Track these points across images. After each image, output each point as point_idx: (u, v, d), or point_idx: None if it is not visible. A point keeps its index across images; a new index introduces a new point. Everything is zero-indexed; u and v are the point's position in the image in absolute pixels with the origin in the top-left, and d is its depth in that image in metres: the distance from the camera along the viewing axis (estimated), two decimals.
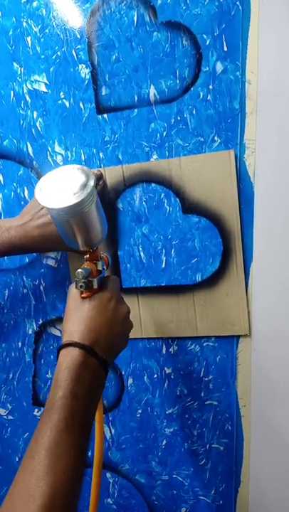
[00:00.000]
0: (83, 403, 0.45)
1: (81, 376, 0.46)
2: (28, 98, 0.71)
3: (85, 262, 0.55)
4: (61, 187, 0.47)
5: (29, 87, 0.71)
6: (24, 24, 0.69)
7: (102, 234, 0.54)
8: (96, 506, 0.61)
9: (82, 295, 0.52)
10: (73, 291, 0.53)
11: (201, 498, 0.75)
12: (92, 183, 0.46)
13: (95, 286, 0.52)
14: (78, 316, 0.50)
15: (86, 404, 0.45)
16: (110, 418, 0.77)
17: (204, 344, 0.69)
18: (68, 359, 0.46)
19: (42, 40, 0.69)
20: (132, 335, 0.72)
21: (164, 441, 0.74)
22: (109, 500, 0.80)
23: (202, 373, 0.70)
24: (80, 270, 0.51)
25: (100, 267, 0.54)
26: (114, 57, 0.66)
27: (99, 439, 0.61)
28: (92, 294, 0.52)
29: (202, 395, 0.71)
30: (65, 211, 0.46)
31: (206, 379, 0.70)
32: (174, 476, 0.75)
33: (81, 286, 0.51)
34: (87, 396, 0.46)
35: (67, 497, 0.39)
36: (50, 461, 0.40)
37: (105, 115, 0.68)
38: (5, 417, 0.83)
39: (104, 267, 0.56)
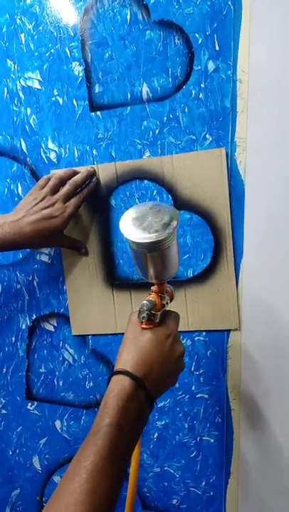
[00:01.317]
0: (126, 436, 0.46)
1: (128, 408, 0.46)
2: (21, 95, 0.72)
3: (150, 293, 0.55)
4: (146, 222, 0.48)
5: (23, 83, 0.71)
6: (18, 21, 0.70)
7: (174, 271, 0.55)
8: None
9: (142, 325, 0.52)
10: (134, 319, 0.54)
11: (192, 489, 0.76)
12: (174, 224, 0.48)
13: (157, 320, 0.52)
14: (134, 346, 0.51)
15: (128, 438, 0.46)
16: None
17: (195, 338, 0.71)
18: (119, 387, 0.47)
19: (36, 37, 0.69)
20: (124, 330, 0.73)
21: (156, 434, 0.76)
22: None
23: (193, 367, 0.72)
24: (145, 302, 0.52)
25: (164, 301, 0.55)
26: (107, 55, 0.67)
27: (133, 475, 0.62)
28: (153, 327, 0.52)
29: (193, 388, 0.72)
30: (144, 246, 0.48)
31: (197, 373, 0.72)
32: (166, 468, 0.76)
33: (143, 318, 0.51)
34: (131, 430, 0.46)
35: None
36: (90, 487, 0.40)
37: (98, 112, 0.69)
38: None
39: (168, 302, 0.56)
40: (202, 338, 0.70)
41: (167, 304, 0.55)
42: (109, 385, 0.48)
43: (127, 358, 0.50)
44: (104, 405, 0.46)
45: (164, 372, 0.51)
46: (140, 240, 0.47)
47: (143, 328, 0.52)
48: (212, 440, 0.73)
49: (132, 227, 0.48)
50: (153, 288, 0.55)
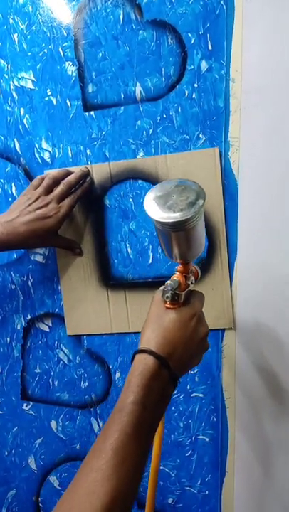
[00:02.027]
0: (150, 414, 0.46)
1: (152, 386, 0.46)
2: (15, 95, 0.72)
3: (175, 272, 0.54)
4: (170, 200, 0.47)
5: (16, 83, 0.71)
6: (11, 21, 0.70)
7: (200, 251, 0.53)
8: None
9: (166, 305, 0.51)
10: (158, 298, 0.53)
11: (188, 488, 0.76)
12: (201, 202, 0.46)
13: (181, 300, 0.51)
14: (158, 325, 0.50)
15: (153, 416, 0.46)
16: (98, 411, 0.78)
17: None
18: (142, 366, 0.47)
19: (29, 37, 0.69)
20: (119, 329, 0.73)
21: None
22: None
23: None
24: (169, 281, 0.51)
25: (189, 281, 0.53)
26: (100, 54, 0.67)
27: (157, 451, 0.62)
28: (177, 307, 0.51)
29: (188, 387, 0.72)
30: (169, 225, 0.46)
31: (192, 372, 0.72)
32: (161, 467, 0.76)
33: (167, 297, 0.50)
34: (155, 408, 0.47)
35: (126, 501, 0.41)
36: (116, 463, 0.41)
37: (92, 112, 0.69)
38: None
39: (193, 282, 0.55)
40: None
41: (192, 283, 0.54)
42: (132, 364, 0.48)
43: (151, 337, 0.49)
44: (128, 383, 0.46)
45: (188, 352, 0.50)
46: (165, 220, 0.45)
47: (167, 308, 0.51)
48: (207, 439, 0.73)
49: (156, 206, 0.46)
50: (178, 267, 0.53)
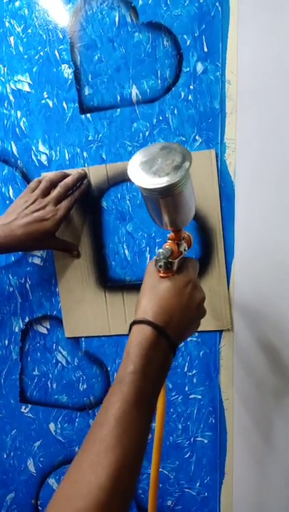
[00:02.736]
0: (151, 383, 0.46)
1: (151, 356, 0.46)
2: (11, 98, 0.72)
3: (167, 240, 0.53)
4: (156, 165, 0.45)
5: (12, 86, 0.71)
6: (7, 24, 0.70)
7: (190, 216, 0.52)
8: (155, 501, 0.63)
9: (160, 274, 0.51)
10: (151, 267, 0.52)
11: (187, 490, 0.76)
12: (187, 165, 0.44)
13: (174, 268, 0.50)
14: (153, 294, 0.50)
15: (154, 385, 0.46)
16: (96, 413, 0.78)
17: (188, 339, 0.71)
18: (140, 336, 0.47)
19: (25, 40, 0.70)
20: (117, 331, 0.73)
21: (150, 436, 0.75)
22: None
23: (186, 368, 0.72)
24: (161, 250, 0.50)
25: (181, 248, 0.52)
26: (96, 57, 0.67)
27: (160, 421, 0.62)
28: (171, 275, 0.51)
29: (186, 389, 0.72)
30: (156, 192, 0.44)
31: (190, 373, 0.72)
32: (160, 469, 0.76)
33: (160, 266, 0.50)
34: (155, 377, 0.46)
35: (132, 471, 0.41)
36: (118, 433, 0.40)
37: (88, 115, 0.69)
38: None
39: (186, 249, 0.54)
40: (194, 339, 0.71)
41: (185, 250, 0.54)
42: (130, 335, 0.48)
43: (147, 306, 0.49)
44: (126, 354, 0.46)
45: (185, 319, 0.50)
46: (151, 186, 0.43)
47: (161, 277, 0.51)
48: (206, 441, 0.73)
49: (142, 172, 0.45)
50: (169, 235, 0.53)
